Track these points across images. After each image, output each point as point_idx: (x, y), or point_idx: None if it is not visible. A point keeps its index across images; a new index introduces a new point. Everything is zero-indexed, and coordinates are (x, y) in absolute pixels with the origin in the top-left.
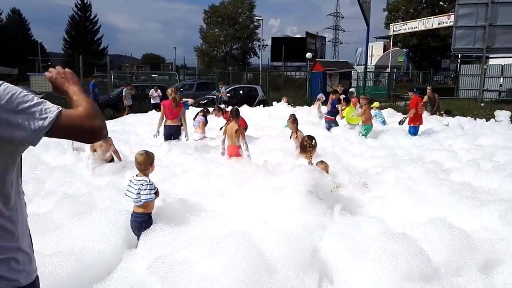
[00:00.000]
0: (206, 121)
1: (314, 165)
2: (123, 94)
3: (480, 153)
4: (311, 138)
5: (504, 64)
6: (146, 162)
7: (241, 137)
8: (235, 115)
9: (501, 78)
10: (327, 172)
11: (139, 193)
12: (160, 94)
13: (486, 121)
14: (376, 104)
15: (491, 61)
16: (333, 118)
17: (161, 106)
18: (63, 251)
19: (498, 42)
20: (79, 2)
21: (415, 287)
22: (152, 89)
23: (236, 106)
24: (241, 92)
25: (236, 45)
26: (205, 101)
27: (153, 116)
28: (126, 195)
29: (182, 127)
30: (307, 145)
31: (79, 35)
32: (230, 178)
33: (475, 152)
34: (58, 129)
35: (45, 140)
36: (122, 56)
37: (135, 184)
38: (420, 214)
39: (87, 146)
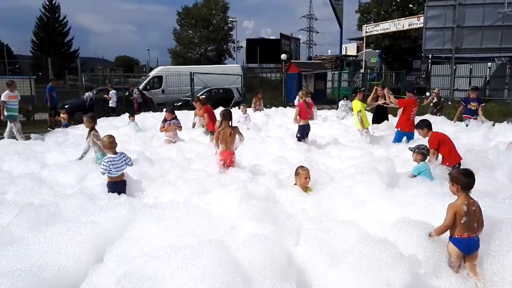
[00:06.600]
0: None
1: None
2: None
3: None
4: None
5: (472, 65)
6: None
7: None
8: (228, 117)
9: (470, 78)
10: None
11: None
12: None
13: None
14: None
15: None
16: None
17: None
18: (20, 268)
19: (466, 43)
20: (47, 3)
21: None
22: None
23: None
24: (215, 93)
25: (211, 46)
26: (180, 103)
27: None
28: None
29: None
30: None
31: (48, 37)
32: (198, 185)
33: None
34: None
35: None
36: (94, 59)
37: None
38: (393, 216)
39: None
